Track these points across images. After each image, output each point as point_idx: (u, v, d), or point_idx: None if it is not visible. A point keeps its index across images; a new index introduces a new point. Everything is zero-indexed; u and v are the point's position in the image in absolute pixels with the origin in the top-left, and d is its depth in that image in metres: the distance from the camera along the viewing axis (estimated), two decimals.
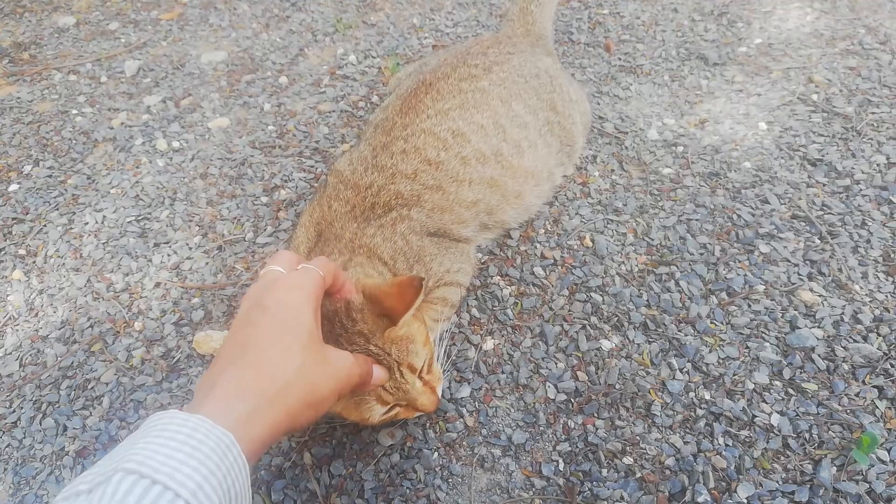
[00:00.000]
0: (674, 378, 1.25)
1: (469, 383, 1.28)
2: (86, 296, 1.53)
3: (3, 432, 1.30)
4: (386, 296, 1.05)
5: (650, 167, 1.72)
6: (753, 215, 1.54)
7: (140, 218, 1.71)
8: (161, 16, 2.60)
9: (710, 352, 1.28)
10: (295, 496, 1.16)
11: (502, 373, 1.30)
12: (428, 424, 1.23)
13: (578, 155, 1.70)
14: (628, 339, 1.32)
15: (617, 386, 1.25)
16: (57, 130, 2.05)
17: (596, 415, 1.21)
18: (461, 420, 1.23)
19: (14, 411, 1.32)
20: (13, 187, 1.85)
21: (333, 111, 2.02)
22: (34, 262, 1.63)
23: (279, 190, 1.75)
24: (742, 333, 1.31)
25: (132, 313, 1.48)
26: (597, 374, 1.27)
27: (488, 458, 1.17)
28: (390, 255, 1.27)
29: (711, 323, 1.33)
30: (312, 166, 1.82)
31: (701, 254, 1.47)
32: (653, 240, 1.51)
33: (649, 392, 1.23)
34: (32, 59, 2.40)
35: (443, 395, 1.26)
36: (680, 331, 1.33)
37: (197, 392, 0.75)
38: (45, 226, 1.72)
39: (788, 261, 1.43)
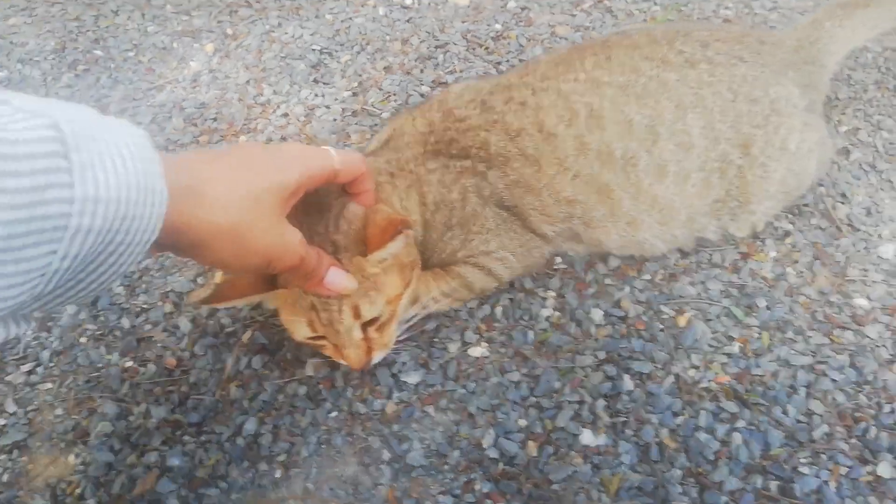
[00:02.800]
0: None
1: (425, 374, 1.12)
2: (235, 93, 1.63)
3: None
4: (372, 224, 0.96)
5: (846, 287, 1.24)
6: None
7: (324, 51, 1.73)
8: None
9: None
10: (213, 358, 1.16)
11: (463, 387, 1.11)
12: (356, 383, 1.12)
13: (756, 220, 1.28)
14: (615, 451, 1.02)
15: (556, 488, 0.99)
16: None
17: (507, 499, 0.99)
18: (385, 402, 1.09)
19: None
20: None
21: (567, 39, 1.77)
22: (229, 44, 1.77)
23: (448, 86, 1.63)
24: None
25: (248, 128, 1.55)
26: (548, 460, 1.02)
27: (372, 455, 1.04)
28: (434, 200, 1.12)
29: None
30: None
31: (798, 422, 1.05)
32: (756, 368, 1.11)
33: None
34: None
35: (392, 371, 1.12)
36: (682, 485, 0.99)
37: None
38: (260, 20, 1.84)
39: None
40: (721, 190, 1.18)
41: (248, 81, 1.65)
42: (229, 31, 1.81)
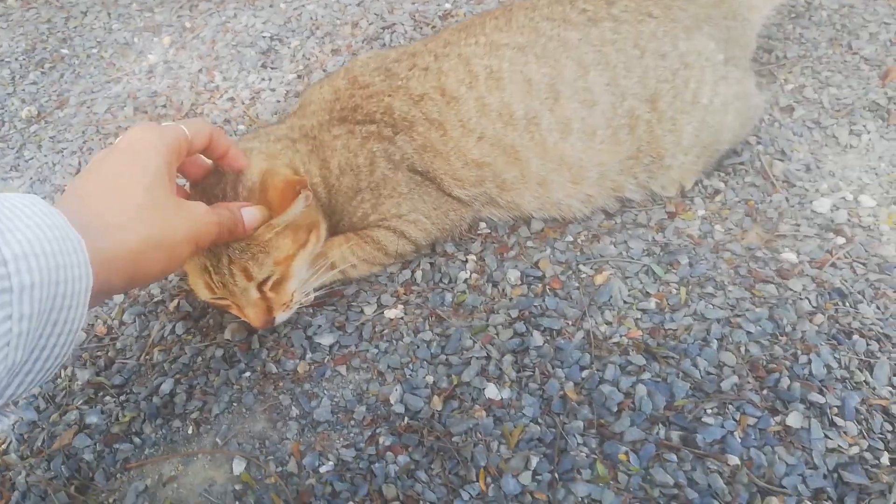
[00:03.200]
0: (517, 477, 0.95)
1: (340, 336, 1.14)
2: (187, 81, 1.68)
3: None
4: (272, 187, 0.98)
5: (776, 242, 1.21)
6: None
7: (274, 37, 1.77)
8: None
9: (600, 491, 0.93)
10: (140, 325, 1.20)
11: (376, 347, 1.12)
12: (270, 345, 1.14)
13: (679, 177, 1.26)
14: (519, 404, 1.02)
15: (457, 440, 1.00)
16: None
17: (408, 451, 0.99)
18: (297, 362, 1.11)
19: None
20: None
21: None
22: (186, 36, 1.82)
23: None
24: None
25: (194, 113, 1.59)
26: (451, 413, 1.02)
27: (281, 412, 1.06)
28: (339, 165, 1.13)
29: (624, 457, 0.95)
30: None
31: (708, 374, 1.03)
32: (671, 323, 1.10)
33: (480, 470, 0.96)
34: None
35: (306, 334, 1.14)
36: (582, 436, 0.98)
37: None
38: (217, 12, 1.89)
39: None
40: (632, 146, 1.17)
41: (200, 70, 1.70)
42: (188, 25, 1.86)
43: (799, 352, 1.05)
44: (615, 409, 1.01)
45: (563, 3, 1.19)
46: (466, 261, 1.23)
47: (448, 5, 1.82)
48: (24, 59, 1.81)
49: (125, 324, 1.20)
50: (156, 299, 1.24)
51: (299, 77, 1.64)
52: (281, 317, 1.06)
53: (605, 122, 1.15)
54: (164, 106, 1.61)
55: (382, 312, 1.16)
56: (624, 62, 1.16)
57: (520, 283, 1.18)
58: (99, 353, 1.17)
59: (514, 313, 1.13)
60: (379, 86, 1.16)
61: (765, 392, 1.01)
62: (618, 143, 1.17)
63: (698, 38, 1.20)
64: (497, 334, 1.11)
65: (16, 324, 0.53)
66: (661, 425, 0.98)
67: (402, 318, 1.15)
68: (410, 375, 1.08)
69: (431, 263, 1.23)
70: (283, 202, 0.97)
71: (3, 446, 1.07)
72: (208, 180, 1.01)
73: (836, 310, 1.10)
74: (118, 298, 1.24)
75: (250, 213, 0.95)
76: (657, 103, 1.16)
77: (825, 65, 1.54)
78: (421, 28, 1.75)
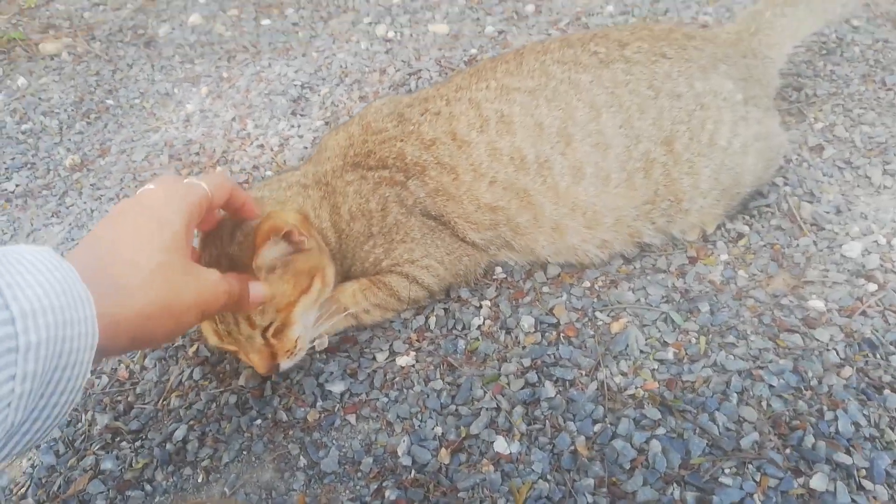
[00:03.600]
0: None
1: (351, 383, 1.14)
2: (220, 128, 1.74)
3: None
4: (259, 231, 0.98)
5: (802, 289, 1.16)
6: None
7: (305, 85, 1.82)
8: None
9: None
10: (160, 370, 1.22)
11: (386, 396, 1.11)
12: (282, 392, 1.15)
13: (699, 221, 1.23)
14: (528, 459, 0.99)
15: (463, 496, 0.97)
16: None
17: None
18: (308, 410, 1.11)
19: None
20: (266, 22, 2.14)
21: None
22: (222, 86, 1.89)
23: None
24: None
25: (225, 159, 1.64)
26: (458, 467, 1.01)
27: (289, 461, 1.06)
28: (349, 210, 1.15)
29: None
30: None
31: (727, 430, 0.98)
32: (689, 374, 1.06)
33: None
34: None
35: (318, 381, 1.14)
36: (593, 495, 0.94)
37: None
38: (254, 62, 1.96)
39: None
40: (648, 190, 1.15)
41: (233, 118, 1.76)
42: (225, 75, 1.94)
43: (825, 407, 1.00)
44: (628, 467, 0.97)
45: (574, 46, 1.19)
46: (481, 306, 1.22)
47: (474, 50, 1.85)
48: (72, 110, 1.91)
49: (146, 368, 1.23)
50: (176, 344, 1.26)
51: (327, 123, 1.68)
52: (285, 363, 1.07)
53: (620, 165, 1.14)
54: (198, 153, 1.67)
55: (394, 359, 1.16)
56: (638, 104, 1.14)
57: (534, 330, 1.16)
58: (119, 398, 1.20)
59: (527, 362, 1.11)
60: (392, 131, 1.18)
61: (787, 451, 0.96)
62: (633, 187, 1.15)
63: (715, 77, 1.18)
64: (508, 384, 1.09)
65: (18, 384, 0.52)
66: (675, 485, 0.94)
67: (413, 366, 1.14)
68: (419, 426, 1.07)
69: (445, 309, 1.23)
70: (256, 241, 0.97)
71: (22, 490, 1.10)
72: (213, 228, 1.03)
73: (866, 362, 1.04)
74: None
75: (256, 289, 0.95)
76: (673, 145, 1.14)
77: (857, 102, 1.49)
78: (446, 73, 1.78)
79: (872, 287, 1.14)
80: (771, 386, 1.03)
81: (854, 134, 1.41)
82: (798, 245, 1.23)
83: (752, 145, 1.18)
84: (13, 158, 1.78)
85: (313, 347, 1.15)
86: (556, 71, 1.16)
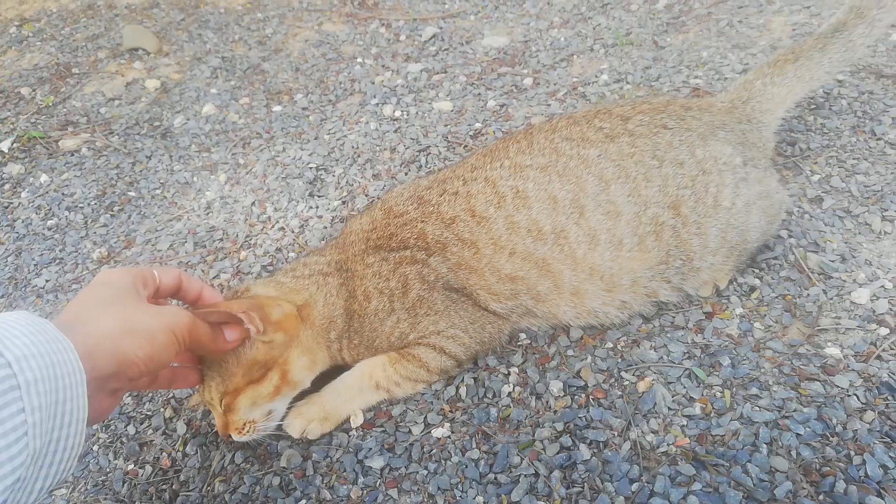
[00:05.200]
0: None
1: (390, 457, 1.17)
2: (241, 214, 1.81)
3: None
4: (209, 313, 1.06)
5: (817, 337, 1.21)
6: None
7: (320, 168, 1.91)
8: None
9: None
10: (202, 456, 1.25)
11: (425, 469, 1.14)
12: (324, 470, 1.18)
13: (712, 278, 1.28)
14: None
15: None
16: (338, 72, 2.37)
17: None
18: (350, 487, 1.14)
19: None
20: (276, 108, 2.24)
21: None
22: (239, 172, 1.98)
23: None
24: None
25: (249, 244, 1.71)
26: None
27: None
28: (364, 291, 1.21)
29: None
30: None
31: (761, 481, 1.01)
32: (718, 428, 1.09)
33: None
34: (374, 5, 2.77)
35: (357, 457, 1.17)
36: None
37: None
38: (268, 147, 2.05)
39: None
40: (660, 252, 1.21)
41: (253, 203, 1.84)
42: (241, 161, 2.03)
43: (852, 452, 1.03)
44: None
45: (581, 124, 1.28)
46: (509, 374, 1.26)
47: (478, 124, 1.94)
48: (95, 204, 1.99)
49: (188, 455, 1.26)
50: (215, 428, 1.30)
51: (343, 203, 1.76)
52: (238, 437, 1.13)
53: (631, 230, 1.20)
54: (221, 239, 1.74)
55: (430, 431, 1.19)
56: (643, 173, 1.22)
57: (563, 394, 1.20)
58: (164, 487, 1.22)
59: (560, 426, 1.15)
60: (412, 213, 1.25)
61: (821, 497, 0.99)
62: (646, 250, 1.21)
63: (714, 144, 1.26)
64: (544, 449, 1.12)
65: (29, 415, 0.63)
66: None
67: (449, 437, 1.18)
68: (461, 497, 1.09)
69: (475, 378, 1.27)
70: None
71: None
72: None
73: (887, 405, 1.08)
74: (182, 429, 1.31)
75: (230, 332, 1.04)
76: (680, 209, 1.20)
77: (850, 153, 1.57)
78: (454, 148, 1.86)
79: (884, 331, 1.19)
80: (798, 434, 1.06)
81: (850, 184, 1.49)
82: (808, 294, 1.28)
83: (755, 204, 1.25)
84: (41, 254, 1.84)
85: (348, 421, 1.20)
86: (565, 147, 1.23)
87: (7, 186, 2.16)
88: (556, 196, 1.20)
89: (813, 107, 1.73)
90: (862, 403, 1.09)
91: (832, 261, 1.33)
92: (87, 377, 0.72)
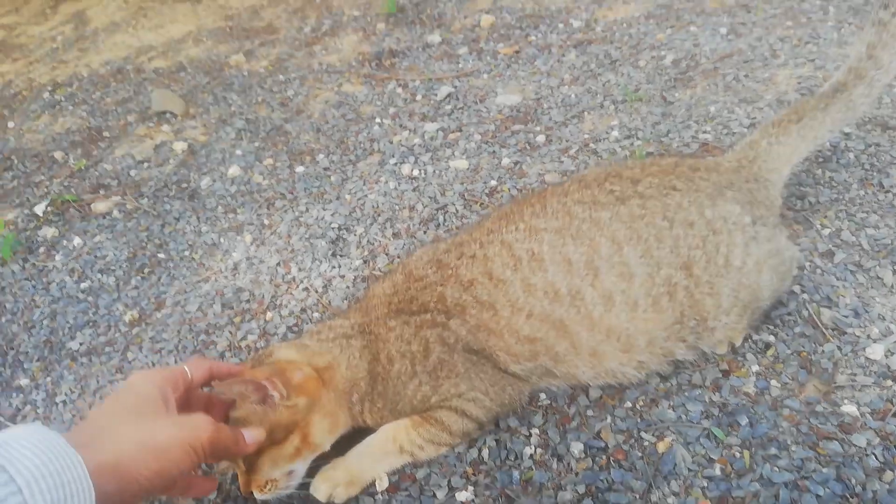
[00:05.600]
0: None
1: None
2: (267, 275, 1.87)
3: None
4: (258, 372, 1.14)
5: (834, 394, 1.22)
6: None
7: (342, 227, 1.97)
8: (501, 49, 2.80)
9: None
10: None
11: None
12: None
13: (726, 336, 1.31)
14: None
15: None
16: (357, 132, 2.46)
17: None
18: None
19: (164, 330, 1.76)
20: (300, 169, 2.33)
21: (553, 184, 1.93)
22: (264, 233, 2.05)
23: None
24: None
25: (274, 304, 1.77)
26: None
27: None
28: (388, 354, 1.25)
29: None
30: None
31: None
32: (738, 490, 1.11)
33: None
34: (391, 66, 2.88)
35: None
36: None
37: None
38: (292, 208, 2.13)
39: None
40: (675, 312, 1.24)
41: (278, 263, 1.90)
42: (266, 222, 2.10)
43: None
44: None
45: (592, 187, 1.33)
46: (530, 435, 1.29)
47: (493, 182, 2.00)
48: (126, 266, 2.07)
49: None
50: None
51: (365, 262, 1.82)
52: (259, 495, 1.16)
53: (645, 291, 1.24)
54: (248, 300, 1.80)
55: (454, 495, 1.22)
56: (655, 234, 1.26)
57: (584, 455, 1.23)
58: None
59: (582, 489, 1.17)
60: (432, 277, 1.30)
61: None
62: (660, 311, 1.24)
63: (722, 203, 1.30)
64: None
65: None
66: None
67: (473, 500, 1.20)
68: None
69: (497, 440, 1.29)
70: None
71: None
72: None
73: None
74: (212, 494, 1.34)
75: (250, 434, 1.08)
76: (692, 269, 1.24)
77: (859, 206, 1.60)
78: (471, 206, 1.92)
79: None
80: (818, 496, 1.07)
81: (860, 237, 1.52)
82: (823, 351, 1.30)
83: (766, 262, 1.28)
84: (75, 317, 1.91)
85: (372, 485, 1.23)
86: (577, 210, 1.28)
87: (42, 249, 2.25)
88: (570, 258, 1.24)
89: (821, 160, 1.77)
90: (881, 462, 1.10)
91: (845, 316, 1.35)
92: (96, 494, 0.76)
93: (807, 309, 1.39)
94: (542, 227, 1.28)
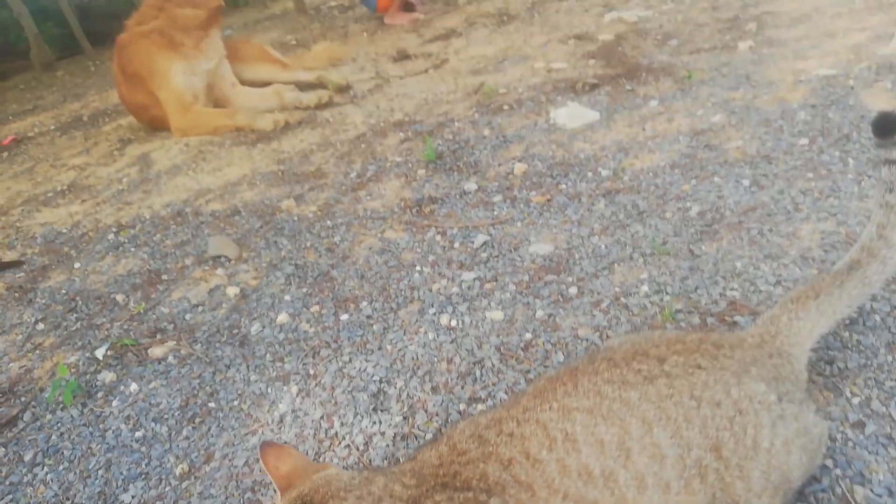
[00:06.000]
0: None
1: None
2: (310, 428, 1.96)
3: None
4: None
5: None
6: None
7: (382, 380, 2.07)
8: (533, 197, 2.97)
9: None
10: None
11: None
12: None
13: None
14: None
15: None
16: (398, 280, 2.61)
17: None
18: None
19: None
20: (344, 317, 2.46)
21: (587, 339, 2.01)
22: (310, 383, 2.15)
23: (480, 403, 1.88)
24: None
25: (318, 459, 1.83)
26: None
27: None
28: None
29: None
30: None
31: None
32: None
33: None
34: (431, 213, 3.07)
35: None
36: None
37: None
38: (336, 357, 2.24)
39: None
40: (707, 494, 1.27)
41: (321, 416, 1.99)
42: (311, 372, 2.21)
43: None
44: None
45: (620, 366, 1.40)
46: None
47: (528, 335, 2.09)
48: (178, 415, 2.18)
49: None
50: None
51: (405, 419, 1.89)
52: None
53: (677, 473, 1.28)
54: None
55: None
56: (683, 414, 1.31)
57: None
58: None
59: None
60: (474, 453, 1.36)
61: None
62: (693, 493, 1.27)
63: (747, 381, 1.36)
64: None
65: None
66: None
67: None
68: None
69: None
70: None
71: None
72: None
73: None
74: None
75: None
76: (721, 451, 1.28)
77: (887, 373, 1.63)
78: (507, 360, 2.01)
79: None
80: None
81: (890, 408, 1.54)
82: None
83: (794, 442, 1.31)
84: (129, 468, 2.00)
85: None
86: (607, 390, 1.35)
87: (100, 394, 2.39)
88: (602, 439, 1.30)
89: (847, 322, 1.82)
90: None
91: (879, 494, 1.36)
92: None
93: (840, 486, 1.40)
94: (575, 407, 1.35)
